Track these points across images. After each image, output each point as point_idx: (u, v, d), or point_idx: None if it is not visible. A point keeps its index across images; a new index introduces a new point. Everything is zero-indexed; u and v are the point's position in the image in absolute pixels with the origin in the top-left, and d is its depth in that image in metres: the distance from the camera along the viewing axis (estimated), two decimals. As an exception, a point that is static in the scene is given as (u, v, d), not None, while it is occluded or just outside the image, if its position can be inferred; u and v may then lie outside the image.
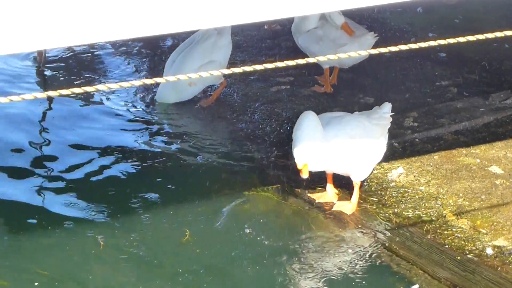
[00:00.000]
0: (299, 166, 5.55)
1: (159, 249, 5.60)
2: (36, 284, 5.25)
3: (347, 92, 7.50)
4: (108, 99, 7.73)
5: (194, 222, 5.86)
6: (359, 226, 5.77)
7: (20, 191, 6.22)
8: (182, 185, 6.35)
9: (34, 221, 5.86)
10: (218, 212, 5.96)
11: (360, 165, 5.79)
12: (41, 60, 8.35)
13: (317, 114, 5.74)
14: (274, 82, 7.74)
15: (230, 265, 5.47)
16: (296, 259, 5.53)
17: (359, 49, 7.02)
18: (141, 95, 7.77)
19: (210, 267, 5.43)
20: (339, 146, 5.66)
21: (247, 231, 5.75)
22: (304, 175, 5.56)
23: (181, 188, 6.31)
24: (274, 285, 5.25)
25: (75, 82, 7.99)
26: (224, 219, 5.89)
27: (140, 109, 7.55)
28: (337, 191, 6.08)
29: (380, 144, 5.85)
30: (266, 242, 5.64)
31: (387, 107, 5.97)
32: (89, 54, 8.69)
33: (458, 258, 5.34)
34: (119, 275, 5.37)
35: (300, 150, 5.52)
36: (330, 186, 6.06)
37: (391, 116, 5.95)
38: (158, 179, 6.41)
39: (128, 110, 7.54)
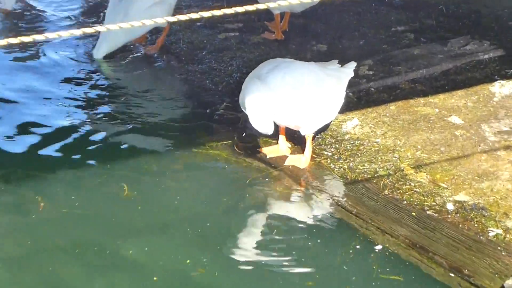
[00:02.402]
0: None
1: (100, 206, 5.28)
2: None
3: (299, 39, 7.24)
4: (49, 52, 7.39)
5: (136, 179, 5.56)
6: (313, 181, 5.46)
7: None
8: (125, 141, 6.05)
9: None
10: (163, 170, 5.67)
11: (308, 116, 5.41)
12: None
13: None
14: (222, 29, 7.46)
15: (173, 222, 5.16)
16: (245, 217, 5.22)
17: None
18: (84, 47, 7.43)
19: (151, 224, 5.12)
20: (285, 92, 5.31)
21: (192, 189, 5.45)
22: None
23: (124, 144, 6.02)
24: (221, 243, 4.92)
25: (10, 34, 7.66)
26: (169, 177, 5.58)
27: (82, 62, 7.22)
28: (289, 145, 5.76)
29: (333, 97, 5.48)
30: (212, 200, 5.33)
31: (351, 65, 5.64)
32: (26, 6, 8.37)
33: (414, 214, 5.06)
34: (59, 235, 5.03)
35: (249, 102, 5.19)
36: (282, 139, 5.73)
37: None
38: (98, 135, 6.13)
39: (68, 63, 7.20)
